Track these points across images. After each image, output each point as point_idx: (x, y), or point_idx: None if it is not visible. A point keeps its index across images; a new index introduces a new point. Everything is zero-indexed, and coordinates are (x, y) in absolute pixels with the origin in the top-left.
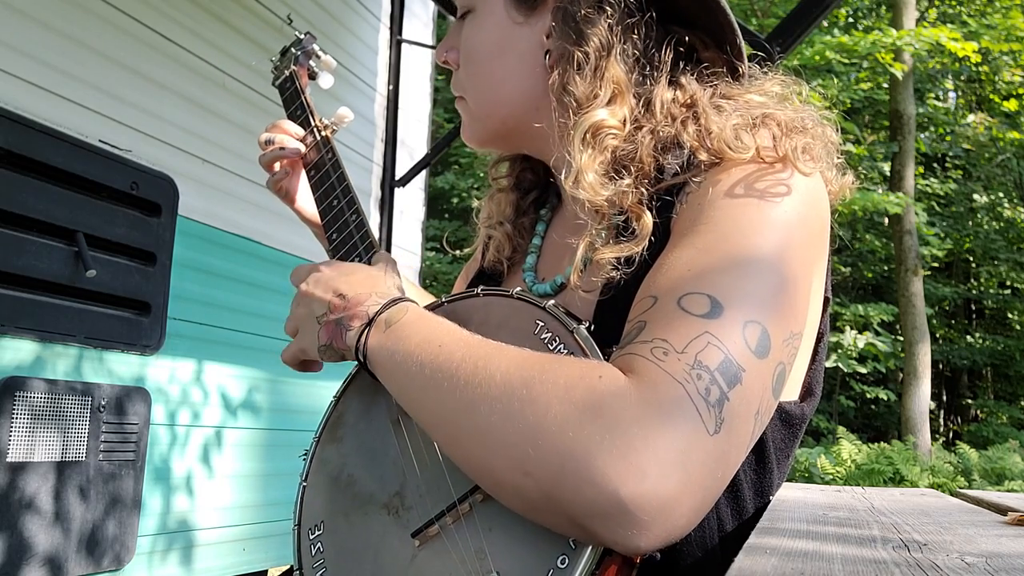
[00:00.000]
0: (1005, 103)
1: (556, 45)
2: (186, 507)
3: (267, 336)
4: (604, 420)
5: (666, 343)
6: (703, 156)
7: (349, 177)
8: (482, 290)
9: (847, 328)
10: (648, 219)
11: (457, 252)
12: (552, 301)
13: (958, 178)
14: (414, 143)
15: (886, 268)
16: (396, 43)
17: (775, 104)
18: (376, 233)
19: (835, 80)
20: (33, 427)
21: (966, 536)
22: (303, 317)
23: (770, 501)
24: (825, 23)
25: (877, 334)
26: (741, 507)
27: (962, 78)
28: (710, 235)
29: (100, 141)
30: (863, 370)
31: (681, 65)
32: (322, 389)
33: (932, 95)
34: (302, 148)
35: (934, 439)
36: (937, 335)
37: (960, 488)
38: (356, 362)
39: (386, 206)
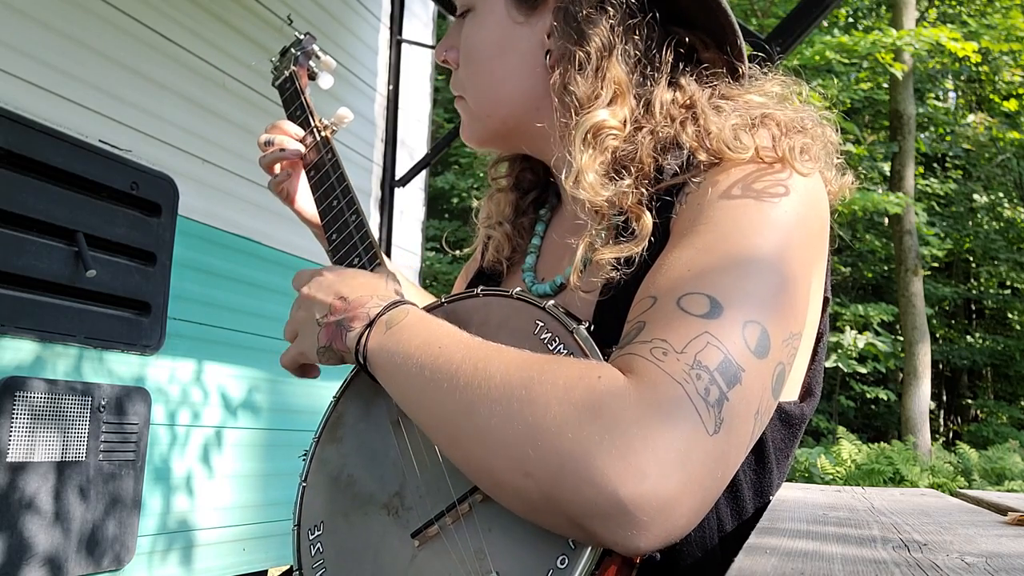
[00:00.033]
0: (1005, 103)
1: (557, 45)
2: (186, 507)
3: (267, 336)
4: (603, 420)
5: (665, 343)
6: (702, 156)
7: (349, 178)
8: (482, 290)
9: (847, 328)
10: (648, 219)
11: (457, 252)
12: (552, 301)
13: (958, 178)
14: (414, 143)
15: (886, 268)
16: (396, 43)
17: (775, 104)
18: (376, 233)
19: (835, 80)
20: (33, 427)
21: (966, 536)
22: (303, 320)
23: (770, 501)
24: (825, 23)
25: (877, 334)
26: (741, 507)
27: (962, 78)
28: (709, 235)
29: (100, 141)
30: (863, 370)
31: (681, 66)
32: (322, 389)
33: (932, 95)
34: (302, 149)
35: (934, 439)
36: (937, 335)
37: (960, 488)
38: (355, 364)
39: (386, 206)
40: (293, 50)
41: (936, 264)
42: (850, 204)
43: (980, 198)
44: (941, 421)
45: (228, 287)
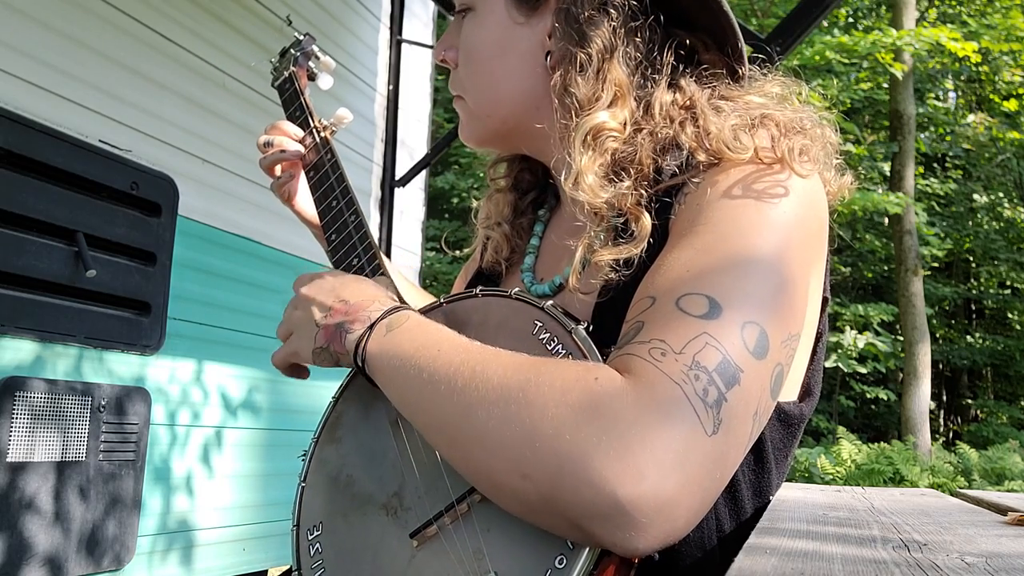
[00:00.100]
0: (1005, 103)
1: (558, 46)
2: (186, 507)
3: (267, 336)
4: (601, 422)
5: (664, 344)
6: (701, 157)
7: (348, 178)
8: (481, 290)
9: (847, 328)
10: (647, 220)
11: (457, 252)
12: (550, 302)
13: (958, 178)
14: (414, 143)
15: (886, 268)
16: (396, 43)
17: (774, 105)
18: (376, 233)
19: (835, 80)
20: (33, 427)
21: (966, 536)
22: (300, 320)
23: (769, 501)
24: (825, 23)
25: (877, 334)
26: (740, 507)
27: (962, 78)
28: (708, 236)
29: (100, 141)
30: (863, 370)
31: (681, 67)
32: (322, 389)
33: (932, 95)
34: (302, 150)
35: (934, 439)
36: (937, 335)
37: (960, 488)
38: (353, 367)
39: (386, 206)
40: (293, 51)
41: (936, 264)
42: (850, 204)
43: (980, 198)
44: (941, 421)
45: (228, 287)
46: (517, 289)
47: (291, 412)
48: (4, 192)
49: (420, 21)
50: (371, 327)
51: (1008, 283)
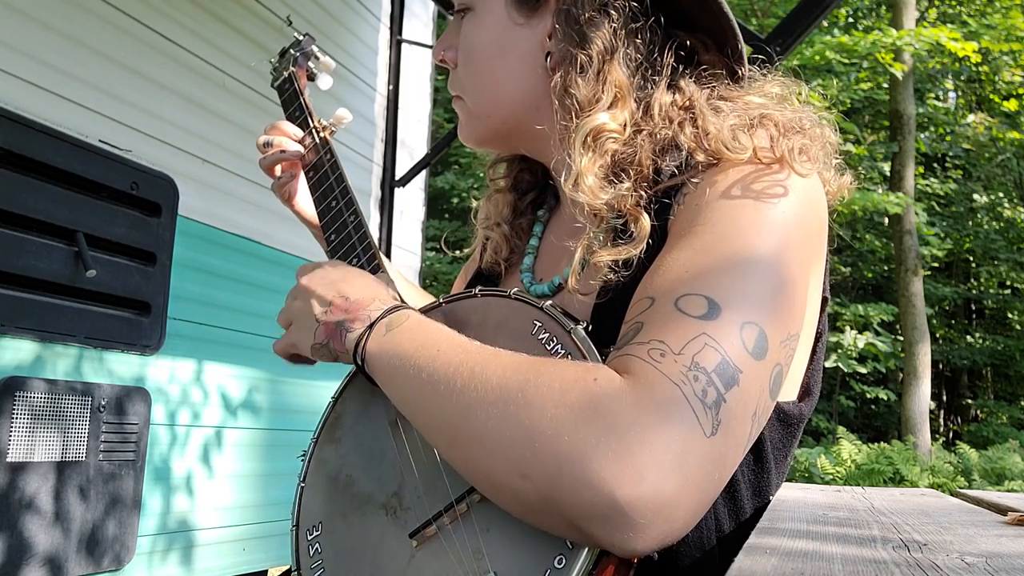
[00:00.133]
0: (1005, 103)
1: (558, 47)
2: (186, 507)
3: (267, 336)
4: (600, 422)
5: (663, 344)
6: (700, 157)
7: (348, 178)
8: (480, 290)
9: (847, 328)
10: (646, 221)
11: (457, 252)
12: (549, 302)
13: (958, 178)
14: (414, 143)
15: (886, 268)
16: (396, 43)
17: (774, 105)
18: (376, 233)
19: (835, 80)
20: (33, 427)
21: (966, 536)
22: (299, 311)
23: (769, 501)
24: (825, 23)
25: (877, 334)
26: (739, 507)
27: (962, 78)
28: (707, 236)
29: (100, 141)
30: (863, 370)
31: (680, 68)
32: (322, 389)
33: (932, 95)
34: (301, 150)
35: (934, 439)
36: (937, 335)
37: (960, 488)
38: (352, 365)
39: (386, 206)
40: (292, 51)
41: (936, 264)
42: (850, 204)
43: (980, 198)
44: (941, 421)
45: (228, 287)
46: (516, 289)
47: (291, 412)
48: (4, 192)
49: (420, 21)
50: (371, 326)
51: (1008, 283)
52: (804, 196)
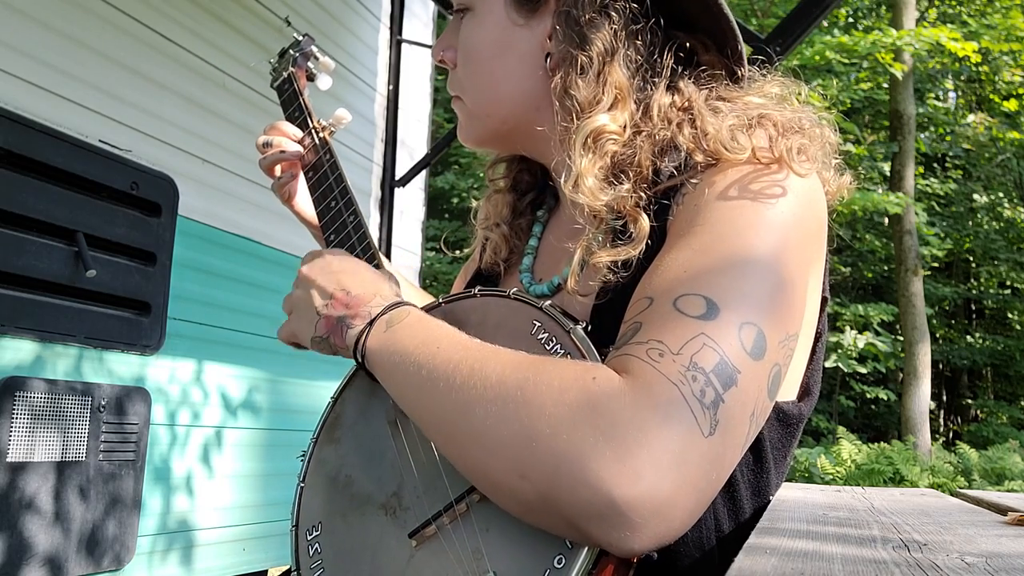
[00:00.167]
0: (1005, 103)
1: (558, 48)
2: (186, 507)
3: (267, 336)
4: (599, 422)
5: (661, 344)
6: (699, 158)
7: (347, 179)
8: (479, 290)
9: (847, 328)
10: (645, 222)
11: (457, 252)
12: (549, 302)
13: (958, 178)
14: (414, 143)
15: (886, 268)
16: (396, 43)
17: (773, 105)
18: (376, 233)
19: (835, 80)
20: (33, 427)
21: (966, 536)
22: (300, 300)
23: (769, 501)
24: (825, 23)
25: (877, 334)
26: (738, 507)
27: (962, 78)
28: (706, 236)
29: (100, 141)
30: (863, 370)
31: (680, 69)
32: (321, 389)
33: (932, 95)
34: (301, 150)
35: (934, 439)
36: (937, 335)
37: (960, 488)
38: (353, 361)
39: (386, 206)
40: (291, 51)
41: (936, 264)
42: (850, 204)
43: (980, 198)
44: (941, 421)
45: (228, 287)
46: (515, 289)
47: (291, 412)
48: (4, 192)
49: (420, 21)
50: (371, 323)
51: (1008, 283)
52: (803, 196)
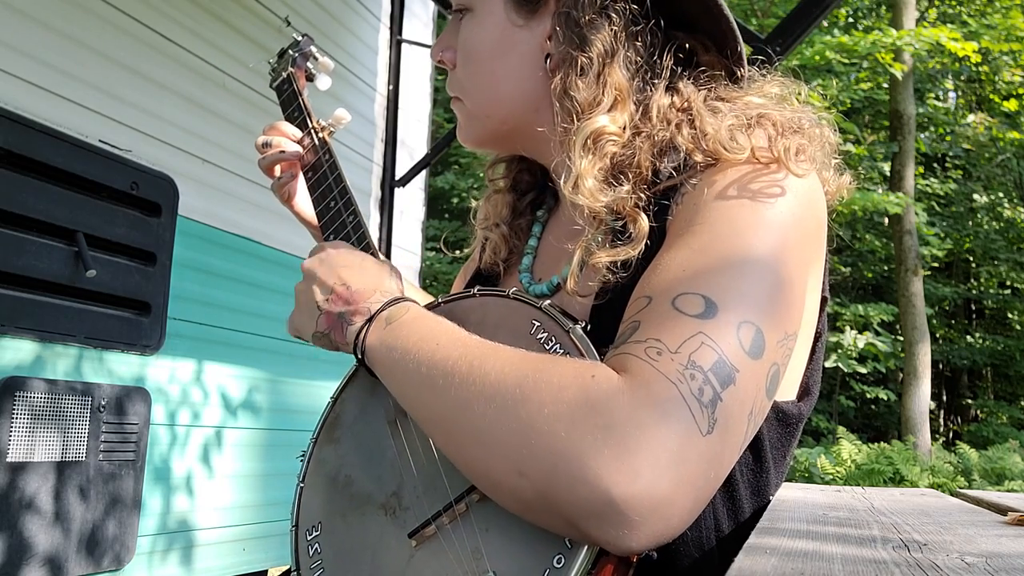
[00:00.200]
0: (1005, 103)
1: (558, 49)
2: (186, 507)
3: (267, 336)
4: (597, 420)
5: (660, 343)
6: (699, 158)
7: (346, 179)
8: (478, 290)
9: (847, 328)
10: (644, 222)
11: (457, 252)
12: (548, 301)
13: (958, 178)
14: (414, 143)
15: (886, 268)
16: (396, 43)
17: (772, 105)
18: (376, 233)
19: (835, 80)
20: (33, 427)
21: (966, 536)
22: (302, 295)
23: (769, 501)
24: (825, 23)
25: (877, 334)
26: (738, 507)
27: (962, 78)
28: (705, 235)
29: (100, 141)
30: (863, 370)
31: (679, 70)
32: (321, 389)
33: (932, 95)
34: (300, 150)
35: (934, 439)
36: (937, 335)
37: (960, 488)
38: (353, 357)
39: (386, 206)
40: (291, 51)
41: (936, 264)
42: (850, 204)
43: (980, 198)
44: (941, 421)
45: (228, 287)
46: (514, 289)
47: (291, 412)
48: (4, 192)
49: (420, 21)
50: (370, 319)
51: (1008, 283)
52: (802, 196)
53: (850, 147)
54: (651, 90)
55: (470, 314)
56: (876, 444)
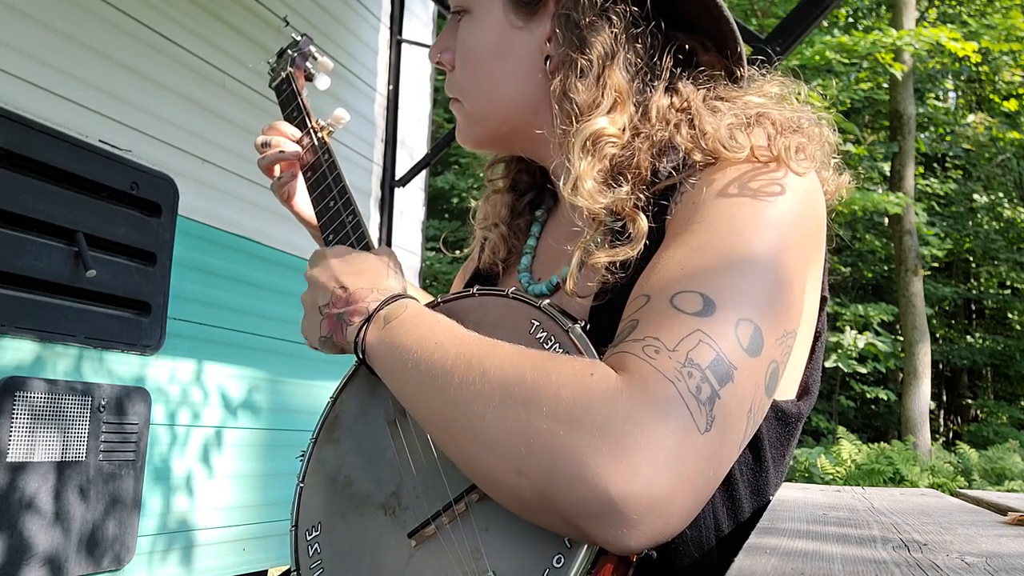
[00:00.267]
0: (1005, 103)
1: (558, 51)
2: (186, 507)
3: (267, 336)
4: (595, 418)
5: (658, 341)
6: (698, 157)
7: (346, 179)
8: (478, 290)
9: (847, 328)
10: (643, 222)
11: (456, 252)
12: (547, 301)
13: (958, 178)
14: (414, 143)
15: (886, 268)
16: (396, 43)
17: (772, 104)
18: (376, 233)
19: (835, 80)
20: (33, 427)
21: (966, 536)
22: (306, 303)
23: (768, 501)
24: (825, 23)
25: (877, 334)
26: (737, 507)
27: (962, 78)
28: (704, 234)
29: (100, 141)
30: (863, 370)
31: (678, 70)
32: (321, 389)
33: (932, 95)
34: (300, 150)
35: (934, 439)
36: (937, 335)
37: (960, 488)
38: (355, 357)
39: (386, 206)
40: (290, 51)
41: (936, 264)
42: (850, 204)
43: (980, 198)
44: (941, 421)
45: (228, 287)
46: (514, 288)
47: (291, 412)
48: (4, 192)
49: (420, 21)
50: (368, 319)
51: (1008, 283)
52: (802, 195)
53: (850, 147)
54: (651, 91)
55: (469, 314)
56: (876, 444)
